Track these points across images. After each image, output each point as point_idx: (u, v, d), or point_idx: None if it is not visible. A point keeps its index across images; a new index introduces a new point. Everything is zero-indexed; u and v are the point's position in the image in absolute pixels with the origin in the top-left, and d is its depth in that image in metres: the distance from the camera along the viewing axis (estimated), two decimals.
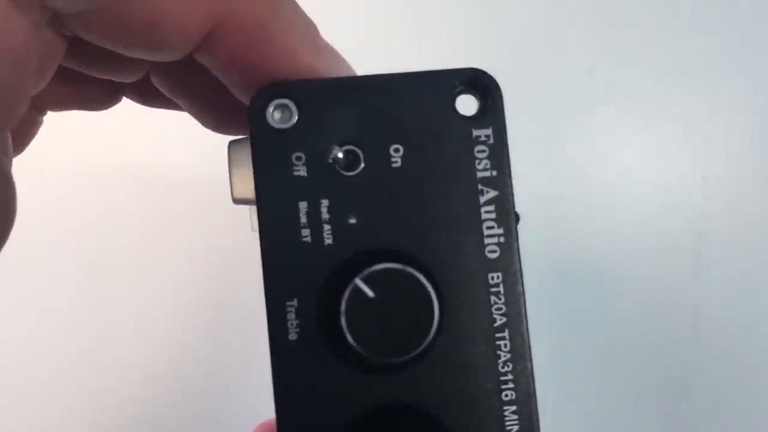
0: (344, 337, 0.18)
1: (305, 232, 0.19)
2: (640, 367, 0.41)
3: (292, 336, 0.18)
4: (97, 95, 0.27)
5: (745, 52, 0.43)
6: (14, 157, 0.21)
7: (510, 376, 0.19)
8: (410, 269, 0.18)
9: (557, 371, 0.41)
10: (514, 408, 0.19)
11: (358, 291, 0.18)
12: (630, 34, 0.42)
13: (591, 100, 0.45)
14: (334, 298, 0.18)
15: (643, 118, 0.41)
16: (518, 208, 0.20)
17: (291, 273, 0.18)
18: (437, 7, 0.45)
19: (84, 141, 0.42)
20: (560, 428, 0.39)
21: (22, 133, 0.25)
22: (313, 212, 0.19)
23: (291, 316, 0.18)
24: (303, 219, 0.19)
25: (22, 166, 0.21)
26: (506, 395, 0.19)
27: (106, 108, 0.27)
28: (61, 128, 0.30)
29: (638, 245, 0.42)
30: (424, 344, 0.18)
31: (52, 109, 0.26)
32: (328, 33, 0.20)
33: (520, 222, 0.20)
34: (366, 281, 0.18)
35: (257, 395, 0.28)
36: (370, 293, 0.18)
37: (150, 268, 0.42)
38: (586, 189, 0.44)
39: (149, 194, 0.42)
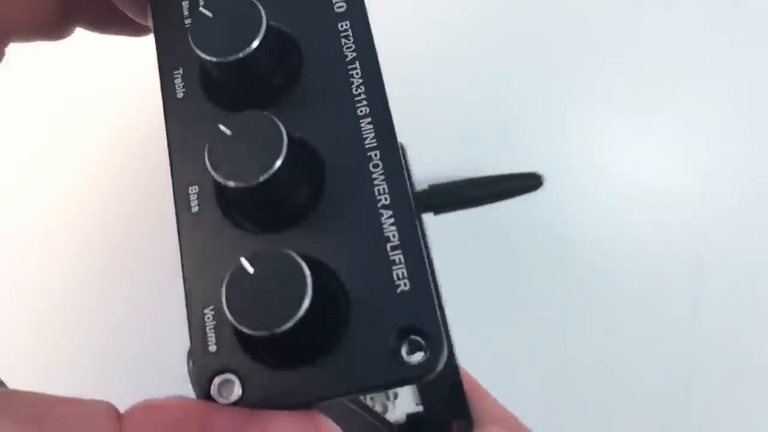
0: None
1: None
2: (640, 366, 0.41)
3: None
4: (50, 19, 0.29)
5: (745, 53, 0.44)
6: None
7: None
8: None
9: (557, 368, 0.41)
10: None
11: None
12: (631, 34, 0.42)
13: (591, 100, 0.45)
14: None
15: (644, 118, 0.41)
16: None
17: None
18: None
19: None
20: (559, 427, 0.40)
21: None
22: None
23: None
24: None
25: None
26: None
27: (62, 37, 0.30)
28: None
29: (638, 245, 0.42)
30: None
31: (15, 38, 0.28)
32: None
33: None
34: None
35: None
36: None
37: None
38: (587, 189, 0.44)
39: None
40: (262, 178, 0.20)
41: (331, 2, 0.23)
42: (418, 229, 0.21)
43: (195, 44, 0.21)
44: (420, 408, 0.34)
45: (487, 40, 0.46)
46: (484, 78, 0.46)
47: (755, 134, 0.44)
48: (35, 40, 0.30)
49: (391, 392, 0.34)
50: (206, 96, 0.23)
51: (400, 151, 0.22)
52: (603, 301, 0.39)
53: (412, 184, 0.24)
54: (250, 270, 0.19)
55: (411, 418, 0.34)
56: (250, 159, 0.20)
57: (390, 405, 0.34)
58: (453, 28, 0.46)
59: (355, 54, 0.23)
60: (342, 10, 0.23)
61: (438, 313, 0.20)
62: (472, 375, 0.35)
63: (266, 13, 0.21)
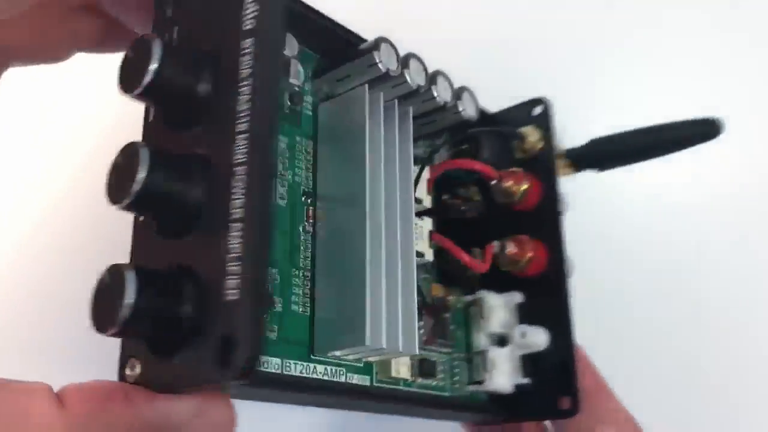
0: None
1: None
2: (640, 365, 0.42)
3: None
4: (56, 44, 0.30)
5: (746, 52, 0.44)
6: None
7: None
8: None
9: None
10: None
11: None
12: (631, 32, 0.43)
13: (592, 99, 0.46)
14: None
15: (643, 118, 0.41)
16: None
17: None
18: None
19: None
20: None
21: None
22: None
23: None
24: None
25: None
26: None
27: (62, 60, 0.33)
28: None
29: (639, 244, 0.43)
30: None
31: (16, 62, 0.31)
32: None
33: None
34: None
35: None
36: None
37: None
38: (588, 189, 0.45)
39: None
40: (125, 201, 0.24)
41: (240, 20, 0.26)
42: (266, 241, 0.24)
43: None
44: (527, 380, 0.37)
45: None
46: None
47: (755, 133, 0.45)
48: (36, 64, 0.31)
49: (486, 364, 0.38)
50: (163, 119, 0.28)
51: (270, 168, 0.26)
52: (603, 299, 0.41)
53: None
54: (107, 280, 0.24)
55: (519, 389, 0.37)
56: (122, 182, 0.25)
57: (487, 375, 0.38)
58: None
59: (250, 71, 0.25)
60: (249, 27, 0.26)
61: (252, 323, 0.23)
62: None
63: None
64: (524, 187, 0.41)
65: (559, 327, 0.39)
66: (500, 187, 0.41)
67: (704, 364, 0.40)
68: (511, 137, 0.42)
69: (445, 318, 0.40)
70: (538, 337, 0.39)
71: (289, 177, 0.34)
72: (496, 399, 0.40)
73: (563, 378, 0.38)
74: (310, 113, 0.36)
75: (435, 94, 0.37)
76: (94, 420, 0.24)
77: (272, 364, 0.31)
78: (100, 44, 0.34)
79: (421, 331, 0.38)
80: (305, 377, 0.32)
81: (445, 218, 0.41)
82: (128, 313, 0.24)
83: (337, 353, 0.32)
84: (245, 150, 0.25)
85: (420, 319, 0.38)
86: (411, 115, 0.37)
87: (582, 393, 0.37)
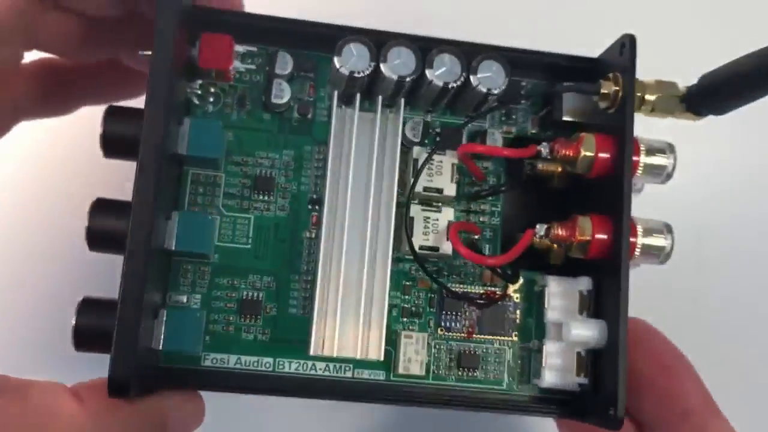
0: None
1: None
2: None
3: None
4: (60, 102, 0.37)
5: (745, 50, 0.37)
6: None
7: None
8: None
9: None
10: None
11: None
12: (631, 30, 0.35)
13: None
14: None
15: (643, 117, 0.36)
16: None
17: None
18: None
19: None
20: None
21: None
22: None
23: None
24: None
25: None
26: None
27: (67, 114, 0.39)
28: None
29: None
30: None
31: (26, 117, 0.37)
32: None
33: None
34: None
35: None
36: None
37: None
38: None
39: None
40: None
41: None
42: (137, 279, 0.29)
43: None
44: (583, 380, 0.35)
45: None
46: None
47: (755, 133, 0.46)
48: (43, 118, 0.38)
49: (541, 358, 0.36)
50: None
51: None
52: None
53: None
54: None
55: (583, 387, 0.35)
56: None
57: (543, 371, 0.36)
58: None
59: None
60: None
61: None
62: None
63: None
64: (585, 153, 0.35)
65: (614, 321, 0.33)
66: (558, 159, 0.35)
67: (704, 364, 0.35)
68: (588, 92, 0.36)
69: (504, 306, 0.37)
70: (583, 332, 0.34)
71: (293, 188, 0.37)
72: (549, 395, 0.36)
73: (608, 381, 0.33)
74: (326, 119, 0.37)
75: (430, 79, 0.35)
76: (111, 413, 0.30)
77: (263, 364, 0.36)
78: (104, 97, 0.39)
79: (461, 323, 0.37)
80: (302, 375, 0.36)
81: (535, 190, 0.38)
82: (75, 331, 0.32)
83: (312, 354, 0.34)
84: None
85: (452, 310, 0.37)
86: (401, 105, 0.35)
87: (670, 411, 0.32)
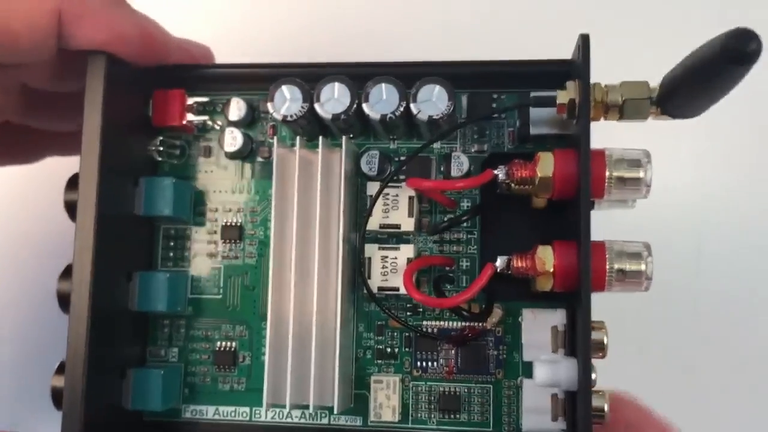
0: None
1: None
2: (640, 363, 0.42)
3: None
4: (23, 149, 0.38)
5: None
6: None
7: None
8: None
9: None
10: None
11: None
12: (632, 29, 0.39)
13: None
14: None
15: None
16: None
17: None
18: None
19: None
20: None
21: None
22: None
23: None
24: None
25: None
26: None
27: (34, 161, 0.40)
28: None
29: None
30: None
31: None
32: None
33: None
34: None
35: None
36: None
37: None
38: None
39: None
40: None
41: None
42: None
43: None
44: (558, 425, 0.32)
45: None
46: None
47: (755, 133, 0.45)
48: (8, 166, 0.40)
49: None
50: None
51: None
52: (602, 300, 0.31)
53: None
54: None
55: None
56: None
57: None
58: None
59: None
60: None
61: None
62: None
63: None
64: (541, 175, 0.31)
65: (581, 358, 0.29)
66: (513, 183, 0.32)
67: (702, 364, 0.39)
68: (546, 103, 0.32)
69: (484, 342, 0.34)
70: (546, 374, 0.31)
71: (260, 233, 0.36)
72: None
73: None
74: None
75: (367, 112, 0.33)
76: None
77: (239, 413, 0.36)
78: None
79: (438, 363, 0.35)
80: (277, 423, 0.35)
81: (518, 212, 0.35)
82: None
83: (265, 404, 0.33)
84: None
85: (426, 350, 0.35)
86: (343, 141, 0.33)
87: None
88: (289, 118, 0.33)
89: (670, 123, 0.32)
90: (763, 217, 0.44)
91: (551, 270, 0.31)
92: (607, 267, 0.30)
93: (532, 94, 0.33)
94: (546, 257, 0.31)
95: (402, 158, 0.36)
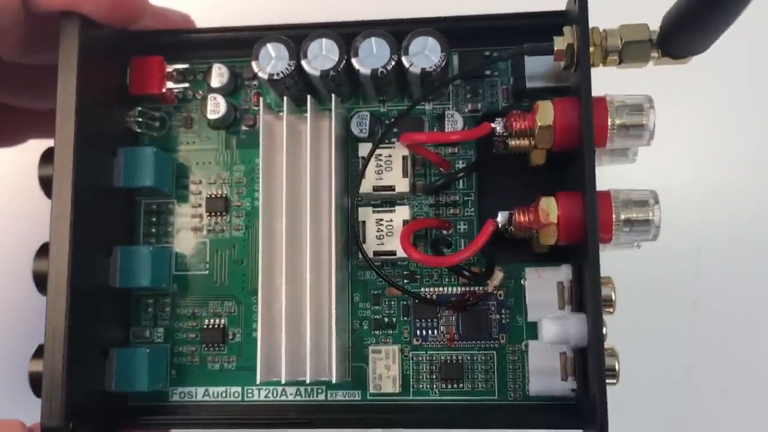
0: None
1: None
2: (640, 363, 0.37)
3: None
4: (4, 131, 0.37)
5: (746, 53, 0.42)
6: None
7: None
8: None
9: None
10: None
11: None
12: None
13: None
14: None
15: None
16: None
17: None
18: None
19: None
20: None
21: None
22: None
23: None
24: None
25: None
26: None
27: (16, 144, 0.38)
28: None
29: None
30: None
31: None
32: None
33: None
34: None
35: None
36: None
37: None
38: None
39: None
40: None
41: None
42: None
43: None
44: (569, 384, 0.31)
45: None
46: None
47: (755, 133, 0.45)
48: None
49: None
50: None
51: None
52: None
53: None
54: None
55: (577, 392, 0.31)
56: None
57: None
58: None
59: None
60: None
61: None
62: None
63: None
64: (541, 124, 0.30)
65: (591, 314, 0.28)
66: (511, 135, 0.31)
67: (702, 364, 0.38)
68: (543, 51, 0.31)
69: (486, 307, 0.33)
70: (554, 330, 0.29)
71: (247, 204, 0.35)
72: (547, 402, 0.32)
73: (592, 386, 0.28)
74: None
75: (357, 67, 0.31)
76: None
77: (231, 393, 0.34)
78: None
79: (438, 331, 0.33)
80: (272, 402, 0.33)
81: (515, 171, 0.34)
82: None
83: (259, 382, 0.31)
84: None
85: (426, 317, 0.33)
86: (333, 100, 0.32)
87: None
88: (275, 77, 0.31)
89: (670, 123, 0.32)
90: (763, 216, 0.44)
91: (555, 221, 0.29)
92: (614, 217, 0.29)
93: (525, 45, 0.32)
94: (549, 208, 0.29)
95: (393, 120, 0.34)
